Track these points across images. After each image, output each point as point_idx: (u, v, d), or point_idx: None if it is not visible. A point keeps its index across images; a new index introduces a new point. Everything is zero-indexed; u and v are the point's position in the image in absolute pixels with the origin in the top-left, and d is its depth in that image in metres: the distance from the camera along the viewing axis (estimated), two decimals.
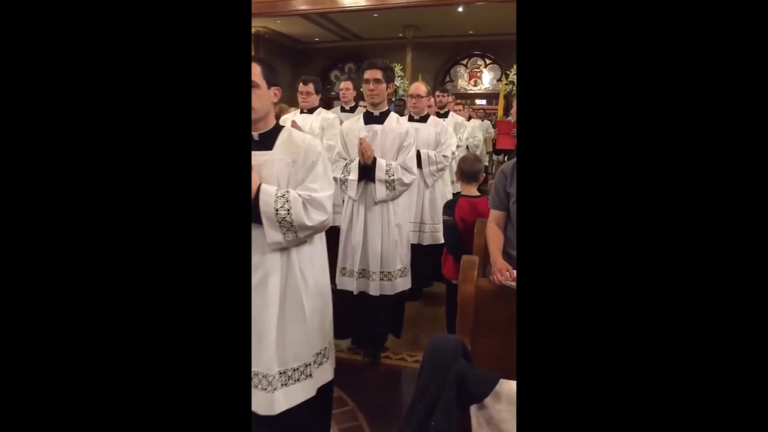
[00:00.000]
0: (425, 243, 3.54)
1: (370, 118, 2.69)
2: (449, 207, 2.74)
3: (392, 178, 2.56)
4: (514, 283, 1.78)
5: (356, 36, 11.84)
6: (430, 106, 4.03)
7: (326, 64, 13.33)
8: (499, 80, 11.43)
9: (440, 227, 3.35)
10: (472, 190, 2.70)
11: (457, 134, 4.85)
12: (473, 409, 1.47)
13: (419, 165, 3.26)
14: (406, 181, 2.59)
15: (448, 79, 12.71)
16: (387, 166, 2.57)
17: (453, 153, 3.94)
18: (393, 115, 2.69)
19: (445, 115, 4.81)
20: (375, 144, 2.61)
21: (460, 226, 2.60)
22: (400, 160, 2.61)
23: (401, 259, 2.72)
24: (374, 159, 2.56)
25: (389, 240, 2.66)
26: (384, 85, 2.59)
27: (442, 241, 3.29)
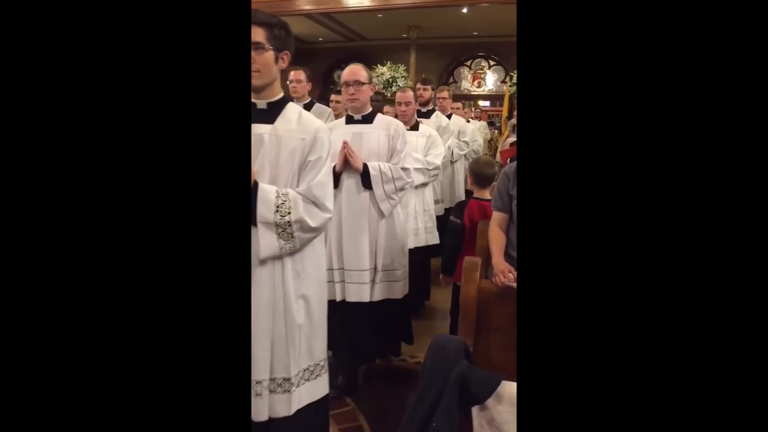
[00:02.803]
0: (376, 298, 2.42)
1: (260, 117, 1.59)
2: (459, 209, 2.68)
3: (286, 219, 1.48)
4: (515, 285, 1.78)
5: (360, 36, 11.85)
6: (408, 104, 3.24)
7: (330, 64, 13.33)
8: (503, 82, 11.43)
9: (402, 274, 2.50)
10: (485, 194, 2.62)
11: (442, 139, 3.72)
12: (475, 410, 1.47)
13: (367, 185, 2.31)
14: (313, 223, 1.51)
15: (451, 80, 12.72)
16: (278, 197, 1.49)
17: (437, 167, 3.19)
18: (293, 109, 1.60)
19: (427, 115, 3.92)
20: (259, 158, 1.54)
21: (467, 226, 2.59)
22: (302, 186, 1.53)
23: (309, 352, 1.65)
24: (256, 184, 1.48)
25: (285, 325, 1.57)
26: (270, 55, 1.50)
27: (400, 295, 2.49)
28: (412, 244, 3.08)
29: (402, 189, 2.39)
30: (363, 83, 2.37)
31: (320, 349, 1.70)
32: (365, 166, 2.31)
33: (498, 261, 1.94)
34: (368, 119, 2.44)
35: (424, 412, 1.44)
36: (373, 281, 2.41)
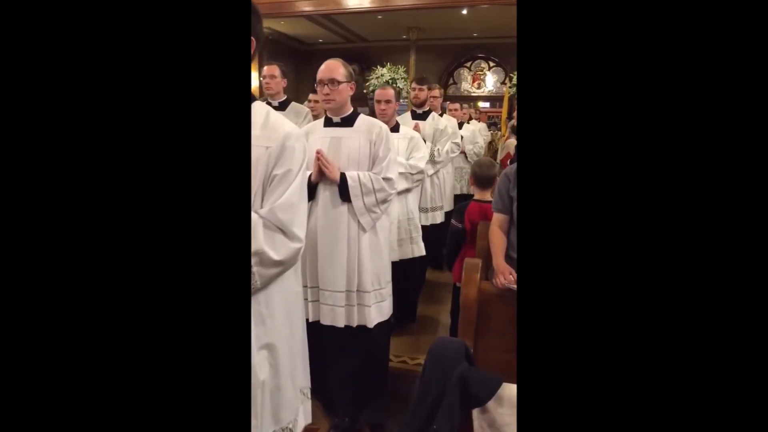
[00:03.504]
0: (355, 323, 2.16)
1: None
2: (459, 212, 2.66)
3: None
4: (516, 286, 1.78)
5: (360, 37, 11.84)
6: (389, 102, 2.93)
7: None
8: (503, 83, 11.44)
9: (386, 293, 2.24)
10: (486, 196, 2.61)
11: (435, 145, 3.56)
12: (475, 412, 1.47)
13: (345, 197, 2.07)
14: (277, 256, 1.22)
15: (451, 81, 12.72)
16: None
17: (421, 170, 2.95)
18: (259, 111, 1.31)
19: (423, 116, 3.65)
20: None
21: (468, 228, 2.59)
22: (265, 208, 1.24)
23: (275, 414, 1.34)
24: None
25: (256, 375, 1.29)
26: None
27: (385, 316, 2.24)
28: (396, 256, 2.89)
29: (385, 201, 2.13)
30: (340, 82, 2.09)
31: (289, 408, 1.34)
32: (343, 176, 2.06)
33: (499, 262, 1.95)
34: (348, 122, 2.16)
35: (425, 413, 1.44)
36: (353, 303, 2.13)
